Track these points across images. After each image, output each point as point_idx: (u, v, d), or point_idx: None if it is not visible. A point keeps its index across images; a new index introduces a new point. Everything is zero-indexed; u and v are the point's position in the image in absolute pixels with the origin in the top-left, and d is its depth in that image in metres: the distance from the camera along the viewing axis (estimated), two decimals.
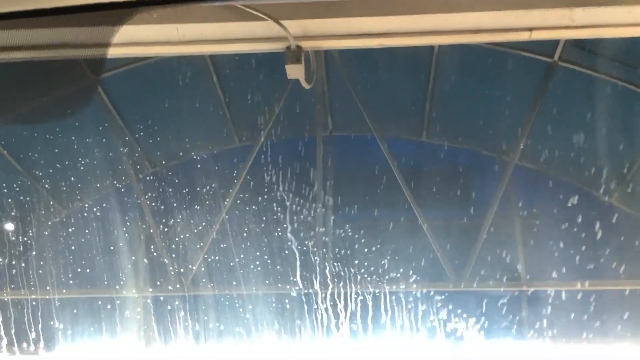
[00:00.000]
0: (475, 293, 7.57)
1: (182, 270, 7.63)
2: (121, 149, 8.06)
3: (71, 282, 7.73)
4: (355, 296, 7.57)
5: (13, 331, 7.62)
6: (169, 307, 7.66)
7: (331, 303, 7.65)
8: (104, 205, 8.09)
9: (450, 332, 7.50)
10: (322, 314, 7.61)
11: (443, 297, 7.55)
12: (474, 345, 7.55)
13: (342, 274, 7.61)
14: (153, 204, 7.94)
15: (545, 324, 7.58)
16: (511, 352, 7.63)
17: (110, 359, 7.63)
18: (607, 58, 6.66)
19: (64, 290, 7.64)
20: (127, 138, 8.14)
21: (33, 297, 7.58)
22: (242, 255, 7.62)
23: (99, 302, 7.74)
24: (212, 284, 7.57)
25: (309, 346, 7.56)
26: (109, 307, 7.74)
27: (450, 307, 7.51)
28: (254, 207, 7.78)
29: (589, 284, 7.33)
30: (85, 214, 8.09)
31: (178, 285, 7.59)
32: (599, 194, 7.92)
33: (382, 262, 7.59)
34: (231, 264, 7.61)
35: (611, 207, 7.85)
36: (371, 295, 7.57)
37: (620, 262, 7.43)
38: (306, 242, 7.76)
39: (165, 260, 7.66)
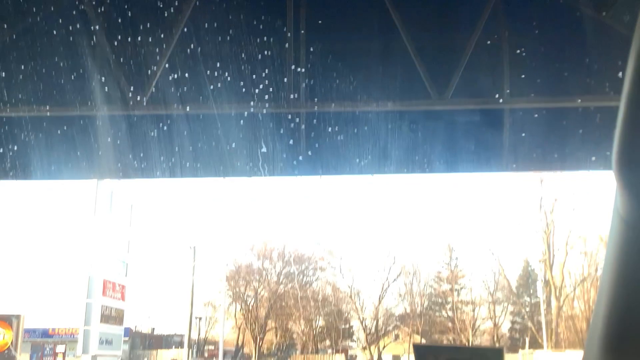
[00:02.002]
0: (456, 112, 7.23)
1: (138, 88, 7.05)
2: None
3: (24, 100, 7.15)
4: (331, 116, 7.18)
5: None
6: (132, 127, 7.20)
7: (305, 124, 7.27)
8: (53, 22, 7.26)
9: (427, 153, 7.27)
10: (295, 136, 7.26)
11: (423, 116, 7.21)
12: (449, 169, 7.36)
13: (318, 94, 7.12)
14: (105, 20, 7.14)
15: (526, 145, 7.38)
16: (487, 176, 7.50)
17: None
18: None
19: (13, 109, 7.09)
20: None
21: None
22: (206, 74, 7.01)
23: (58, 122, 7.25)
24: (174, 104, 7.05)
25: (278, 170, 7.29)
26: (69, 128, 7.28)
27: (429, 126, 7.21)
28: (215, 21, 7.01)
29: (574, 101, 7.01)
30: (34, 32, 7.28)
31: (136, 104, 7.05)
32: (593, 12, 7.33)
33: (361, 81, 7.08)
34: (195, 83, 7.04)
35: (604, 26, 7.31)
36: (349, 114, 7.18)
37: (608, 80, 7.05)
38: (280, 63, 7.15)
39: (118, 79, 7.04)
